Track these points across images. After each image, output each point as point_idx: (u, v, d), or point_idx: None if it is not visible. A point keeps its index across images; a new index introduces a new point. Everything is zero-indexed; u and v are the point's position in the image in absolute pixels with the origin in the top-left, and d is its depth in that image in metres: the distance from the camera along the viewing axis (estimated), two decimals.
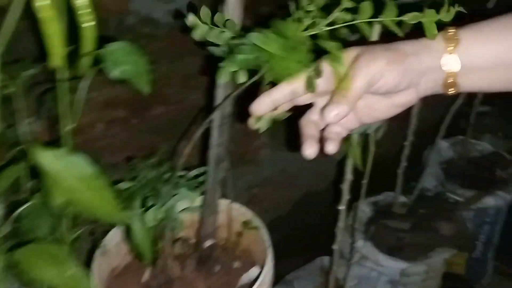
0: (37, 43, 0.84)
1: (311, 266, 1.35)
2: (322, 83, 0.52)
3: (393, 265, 1.33)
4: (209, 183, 0.73)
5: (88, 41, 0.52)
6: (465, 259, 1.67)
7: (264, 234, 0.79)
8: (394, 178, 1.47)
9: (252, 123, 0.61)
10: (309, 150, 0.53)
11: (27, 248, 0.55)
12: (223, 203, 0.85)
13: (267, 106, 0.56)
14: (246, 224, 0.83)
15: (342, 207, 0.98)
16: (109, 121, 1.09)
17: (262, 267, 0.81)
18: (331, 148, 0.54)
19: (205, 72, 1.15)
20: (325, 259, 1.37)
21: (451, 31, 0.50)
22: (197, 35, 0.57)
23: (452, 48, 0.49)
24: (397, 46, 0.51)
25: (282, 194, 1.67)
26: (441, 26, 0.53)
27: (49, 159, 0.49)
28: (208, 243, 0.79)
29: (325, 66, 0.52)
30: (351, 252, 1.19)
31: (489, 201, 1.55)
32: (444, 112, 1.40)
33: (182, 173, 0.77)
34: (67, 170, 0.49)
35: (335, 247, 1.07)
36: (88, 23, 0.51)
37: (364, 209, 1.43)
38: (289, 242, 1.74)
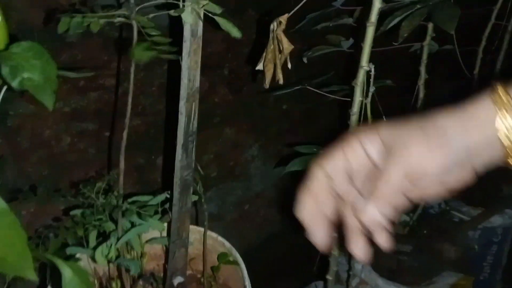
0: None
1: None
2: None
3: None
4: (175, 211, 0.60)
5: None
6: (471, 282, 1.52)
7: (243, 271, 0.66)
8: None
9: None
10: (362, 251, 0.39)
11: None
12: (196, 232, 0.72)
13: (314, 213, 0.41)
14: (223, 257, 0.69)
15: (329, 277, 0.85)
16: (77, 133, 0.97)
17: None
18: (384, 239, 0.40)
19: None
20: (320, 285, 1.23)
21: (501, 90, 0.38)
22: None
23: (504, 112, 0.37)
24: (435, 121, 0.39)
25: (275, 211, 1.54)
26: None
27: None
28: (177, 280, 0.66)
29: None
30: (349, 277, 1.05)
31: (497, 220, 1.41)
32: None
33: (145, 198, 0.64)
34: None
35: (329, 277, 0.93)
36: None
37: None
38: (284, 262, 1.60)
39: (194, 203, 0.67)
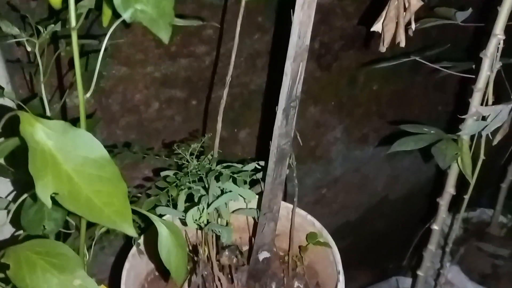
0: None
1: (383, 287, 1.13)
2: None
3: None
4: (268, 182, 0.56)
5: None
6: None
7: (335, 254, 0.60)
8: (491, 191, 1.20)
9: None
10: None
11: (23, 246, 0.41)
12: (284, 208, 0.67)
13: None
14: (312, 237, 0.64)
15: (436, 227, 0.76)
16: (166, 100, 0.96)
17: None
18: None
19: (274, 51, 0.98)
20: (402, 281, 1.14)
21: None
22: None
23: None
24: None
25: (353, 198, 1.46)
26: None
27: (44, 133, 0.34)
28: (263, 255, 0.62)
29: None
30: (438, 276, 0.96)
31: None
32: None
33: (236, 165, 0.60)
34: (68, 148, 0.34)
35: (420, 272, 0.85)
36: None
37: (453, 225, 1.17)
38: (357, 252, 1.52)
39: None
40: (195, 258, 0.59)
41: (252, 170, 0.65)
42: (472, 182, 0.74)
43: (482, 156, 0.71)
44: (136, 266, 0.60)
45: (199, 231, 0.59)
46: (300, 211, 0.68)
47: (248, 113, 1.10)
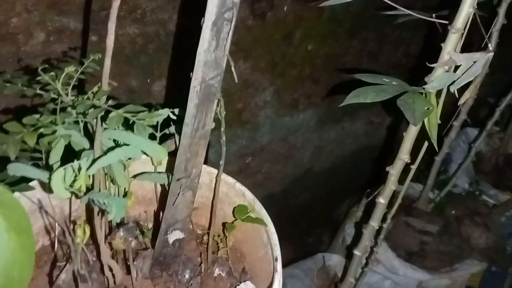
0: None
1: (308, 264, 1.02)
2: None
3: (411, 275, 1.02)
4: (186, 134, 0.38)
5: None
6: (484, 271, 1.36)
7: (271, 235, 0.45)
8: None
9: None
10: None
11: None
12: (208, 173, 0.50)
13: None
14: (242, 211, 0.48)
15: (382, 200, 0.65)
16: (55, 30, 0.73)
17: (259, 284, 0.48)
18: None
19: None
20: (328, 257, 1.05)
21: None
22: None
23: None
24: None
25: (279, 168, 1.34)
26: None
27: None
28: (174, 235, 0.45)
29: None
30: (371, 253, 0.86)
31: None
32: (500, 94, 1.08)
33: (139, 108, 0.41)
34: None
35: (357, 252, 0.73)
36: None
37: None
38: (279, 227, 1.42)
39: None
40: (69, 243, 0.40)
41: (163, 122, 0.47)
42: (422, 149, 0.63)
43: (438, 120, 0.60)
44: None
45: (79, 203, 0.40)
46: (226, 178, 0.51)
47: (165, 60, 0.90)
